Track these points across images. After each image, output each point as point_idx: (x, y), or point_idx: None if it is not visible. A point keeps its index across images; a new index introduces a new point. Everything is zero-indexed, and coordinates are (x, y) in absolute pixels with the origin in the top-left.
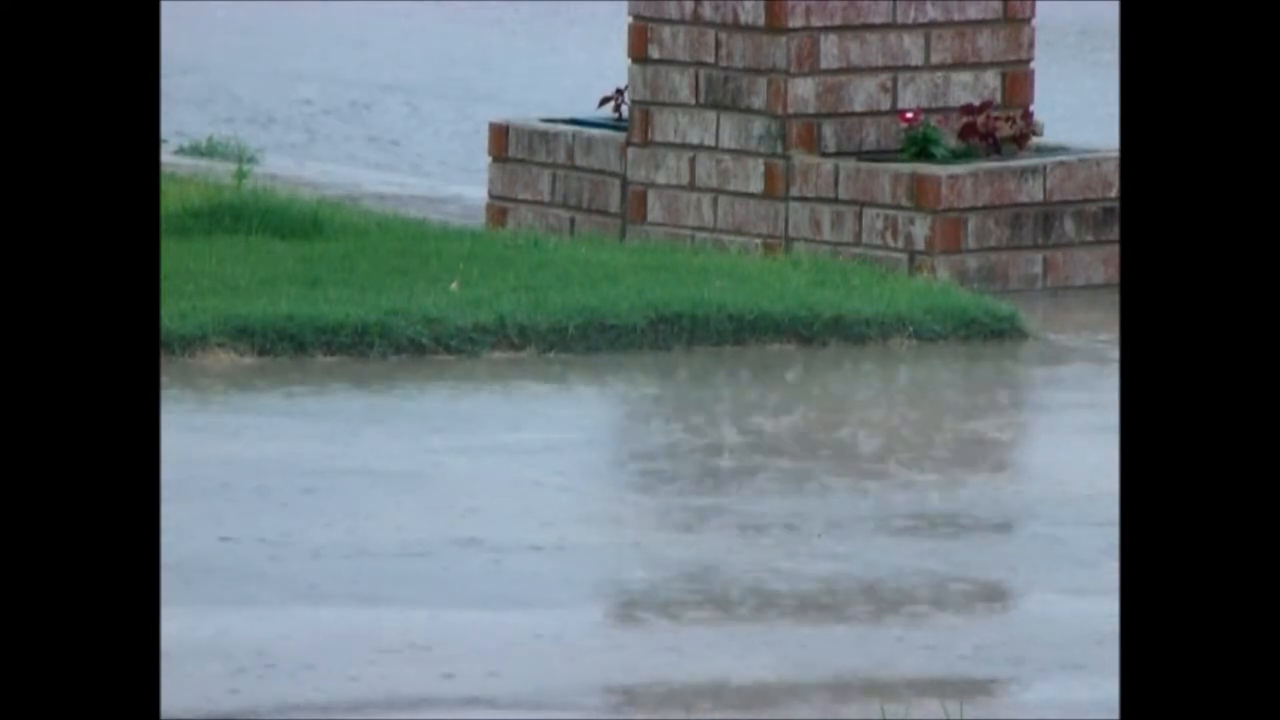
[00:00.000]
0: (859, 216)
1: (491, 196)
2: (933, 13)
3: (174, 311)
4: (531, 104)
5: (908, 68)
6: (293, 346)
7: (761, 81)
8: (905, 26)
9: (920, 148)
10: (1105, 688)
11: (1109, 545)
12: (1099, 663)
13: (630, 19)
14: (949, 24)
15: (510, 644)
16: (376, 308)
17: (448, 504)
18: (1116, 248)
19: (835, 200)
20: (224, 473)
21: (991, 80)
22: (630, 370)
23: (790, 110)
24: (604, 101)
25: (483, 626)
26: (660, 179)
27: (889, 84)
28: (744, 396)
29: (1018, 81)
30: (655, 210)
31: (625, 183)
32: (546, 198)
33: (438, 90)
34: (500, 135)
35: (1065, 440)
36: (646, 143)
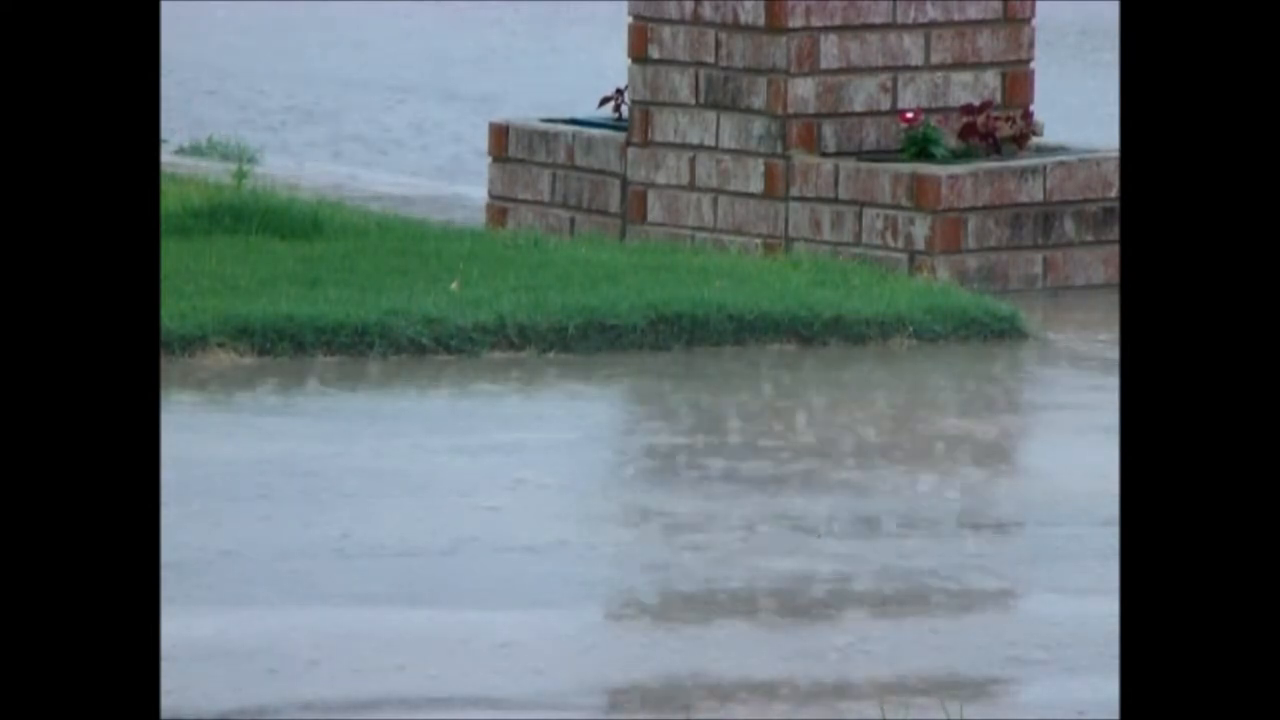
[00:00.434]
0: (859, 216)
1: (491, 196)
2: (933, 13)
3: (174, 311)
4: (531, 104)
5: (908, 68)
6: (293, 346)
7: (761, 81)
8: (905, 26)
9: (920, 148)
10: (1105, 688)
11: (1109, 545)
12: (1099, 663)
13: (630, 19)
14: (949, 24)
15: (510, 644)
16: (376, 308)
17: (447, 504)
18: (1116, 248)
19: (835, 200)
20: (224, 473)
21: (991, 80)
22: (630, 370)
23: (790, 110)
24: (604, 101)
25: (483, 626)
26: (660, 179)
27: (889, 84)
28: (744, 396)
29: (1018, 81)
30: (655, 210)
31: (625, 183)
32: (546, 198)
33: (437, 90)
34: (500, 135)
35: (1065, 440)
36: (646, 143)
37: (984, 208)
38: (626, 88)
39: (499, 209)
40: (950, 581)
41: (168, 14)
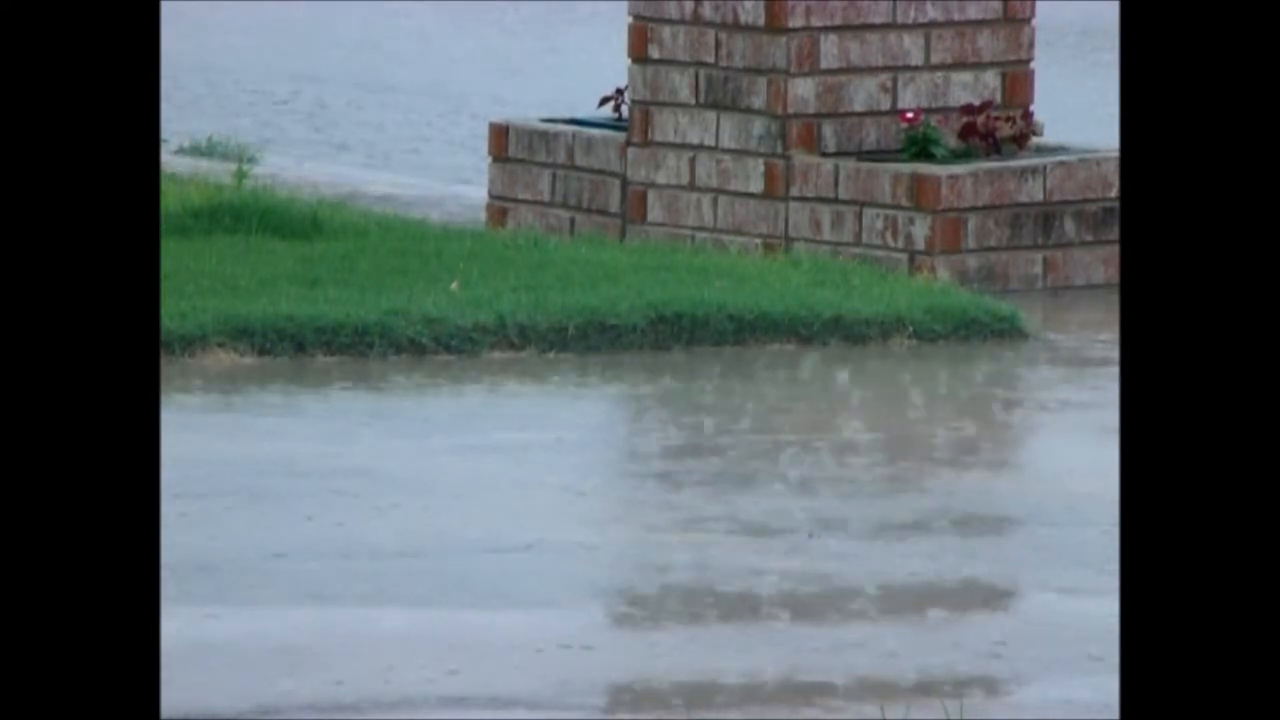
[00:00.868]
0: (859, 216)
1: (491, 196)
2: (933, 13)
3: (174, 311)
4: (531, 104)
5: (908, 68)
6: (293, 346)
7: (761, 81)
8: (905, 26)
9: (920, 148)
10: (1105, 688)
11: (1109, 545)
12: (1099, 663)
13: (630, 19)
14: (949, 24)
15: (510, 644)
16: (376, 308)
17: (448, 504)
18: (1116, 248)
19: (835, 200)
20: (224, 473)
21: (991, 80)
22: (630, 370)
23: (790, 110)
24: (604, 101)
25: (483, 626)
26: (660, 179)
27: (889, 84)
28: (744, 396)
29: (1018, 81)
30: (655, 210)
31: (625, 183)
32: (546, 198)
33: (437, 90)
34: (500, 135)
35: (1065, 440)
36: (646, 143)
37: (984, 208)
38: (626, 88)
39: (499, 209)
40: (950, 581)
41: (168, 14)
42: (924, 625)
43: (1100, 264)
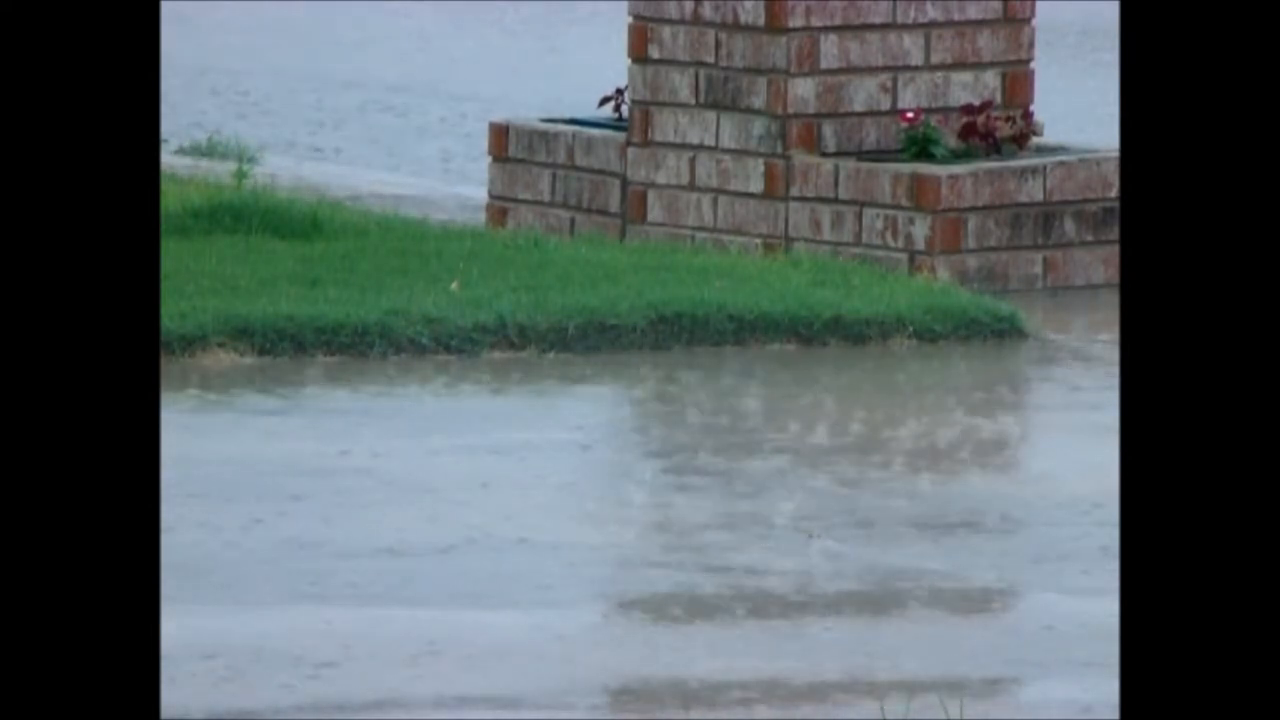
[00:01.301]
0: (859, 216)
1: (491, 196)
2: (933, 13)
3: (174, 311)
4: (531, 104)
5: (908, 68)
6: (293, 346)
7: (761, 81)
8: (905, 26)
9: (920, 148)
10: (1105, 688)
11: (1109, 545)
12: (1099, 663)
13: (630, 19)
14: (949, 24)
15: (510, 644)
16: (376, 308)
17: (448, 504)
18: (1116, 248)
19: (835, 200)
20: (224, 473)
21: (991, 80)
22: (630, 370)
23: (790, 110)
24: (604, 101)
25: (483, 626)
26: (660, 179)
27: (889, 84)
28: (744, 396)
29: (1018, 81)
30: (655, 210)
31: (625, 183)
32: (546, 198)
33: (438, 90)
34: (500, 135)
35: (1065, 440)
36: (646, 143)
37: (984, 208)
38: (626, 88)
39: (499, 209)
40: (950, 581)
41: (168, 14)
42: (924, 625)
43: (1100, 264)
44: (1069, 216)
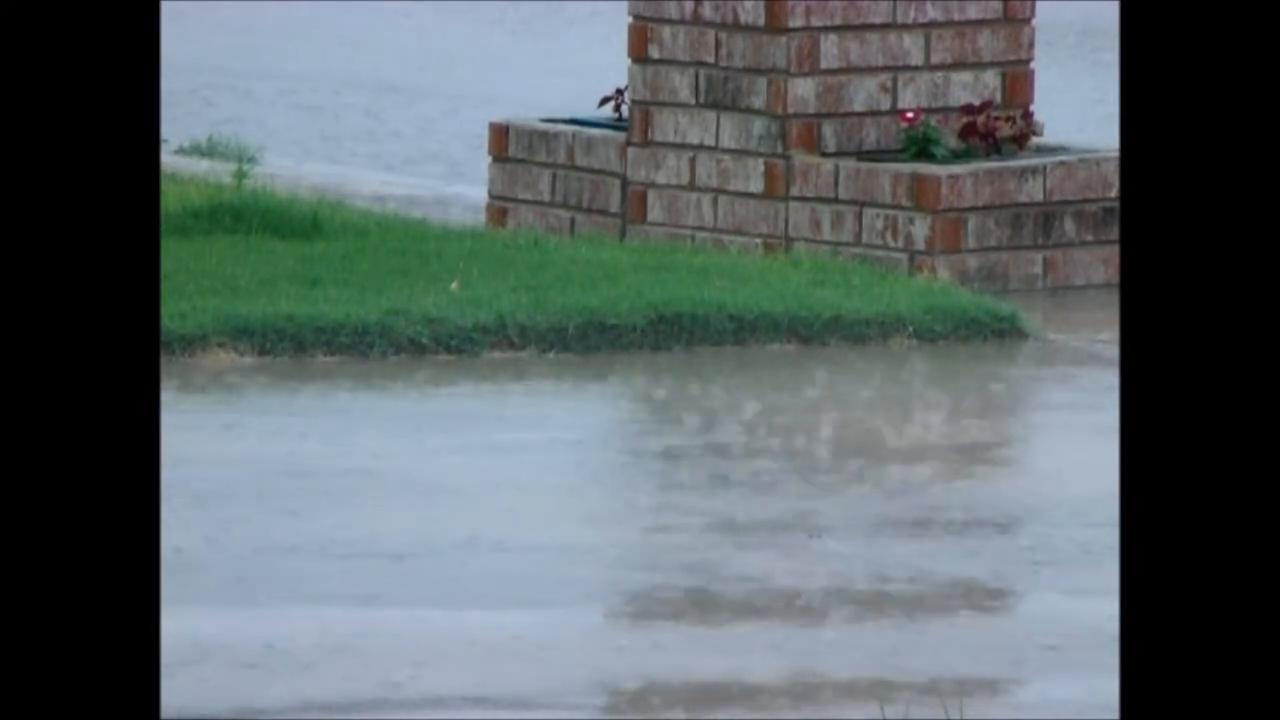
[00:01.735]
0: (859, 216)
1: (491, 196)
2: (933, 13)
3: (174, 311)
4: (531, 104)
5: (908, 68)
6: (293, 346)
7: (761, 81)
8: (905, 26)
9: (920, 148)
10: (1105, 688)
11: (1109, 545)
12: (1099, 663)
13: (630, 19)
14: (949, 24)
15: (510, 644)
16: (376, 308)
17: (448, 504)
18: (1116, 248)
19: (835, 200)
20: (224, 473)
21: (991, 80)
22: (630, 370)
23: (790, 110)
24: (604, 101)
25: (483, 626)
26: (660, 179)
27: (889, 84)
28: (744, 396)
29: (1018, 81)
30: (655, 210)
31: (625, 183)
32: (546, 198)
33: (438, 90)
34: (500, 135)
35: (1065, 440)
36: (646, 143)
37: (984, 208)
38: (626, 88)
39: (499, 209)
40: (950, 581)
41: (168, 14)
42: (924, 625)
43: (1100, 264)
44: (1069, 216)
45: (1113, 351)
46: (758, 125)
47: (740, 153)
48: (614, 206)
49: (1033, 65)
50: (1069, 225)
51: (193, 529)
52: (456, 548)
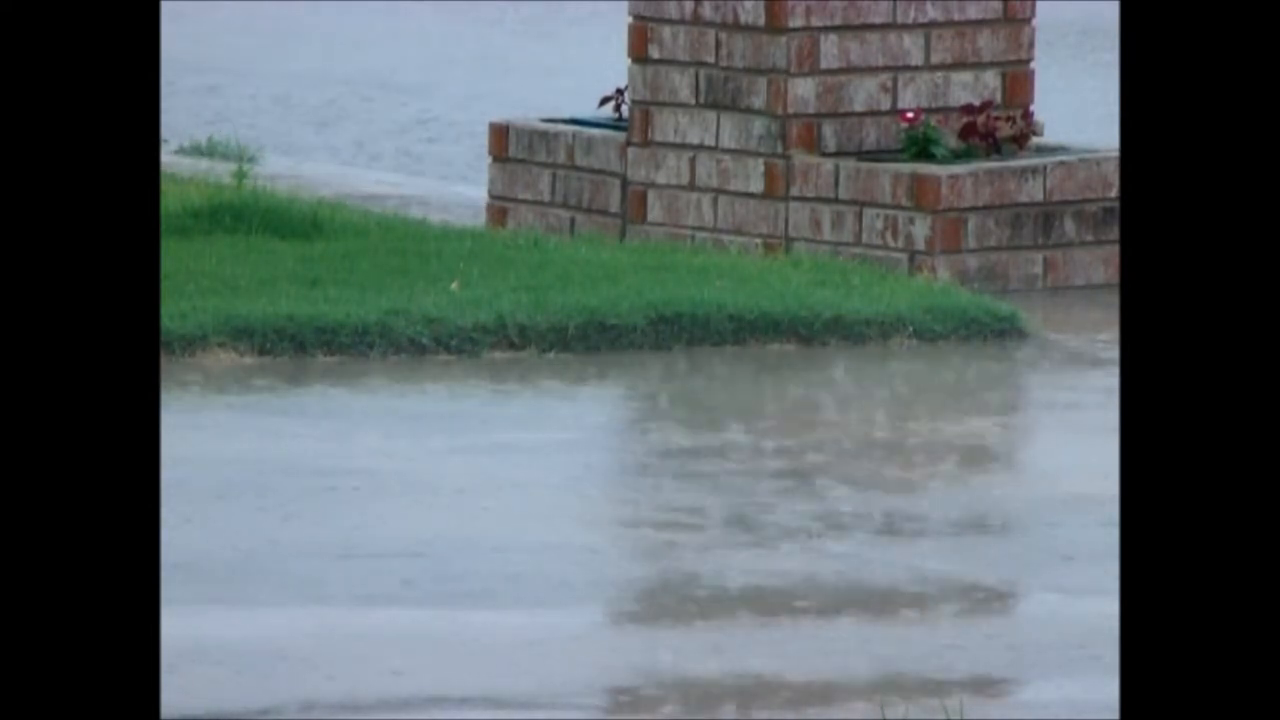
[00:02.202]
0: (859, 216)
1: (491, 196)
2: (933, 13)
3: (174, 311)
4: (531, 104)
5: (908, 68)
6: (293, 346)
7: (761, 81)
8: (905, 26)
9: (920, 148)
10: (1105, 688)
11: (1109, 545)
12: (1099, 663)
13: (630, 19)
14: (949, 24)
15: (510, 644)
16: (376, 308)
17: (448, 504)
18: (1116, 248)
19: (835, 200)
20: (224, 473)
21: (991, 80)
22: (630, 370)
23: (790, 110)
24: (604, 101)
25: (483, 627)
26: (660, 179)
27: (889, 84)
28: (744, 396)
29: (1018, 81)
30: (655, 210)
31: (625, 183)
32: (546, 198)
33: (438, 90)
34: (500, 135)
35: (1065, 440)
36: (646, 143)
37: (984, 208)
38: (626, 88)
39: (499, 209)
40: (950, 580)
41: (168, 14)
42: (924, 625)
43: (1100, 264)
44: (1069, 216)
45: (1113, 351)
46: (758, 125)
47: (740, 153)
48: (614, 206)
49: (1033, 65)
50: (1069, 225)
51: (192, 528)
52: (457, 548)
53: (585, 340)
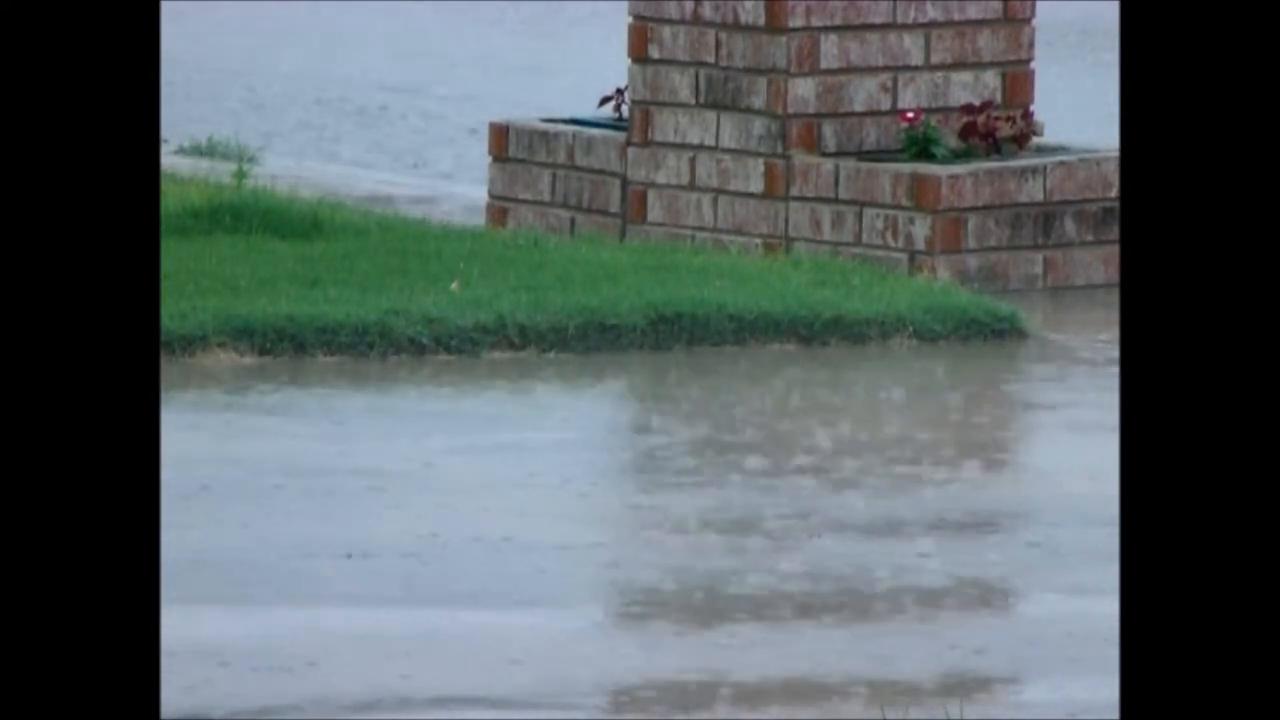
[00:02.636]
0: (859, 216)
1: (491, 196)
2: (933, 13)
3: (174, 311)
4: (531, 104)
5: (908, 68)
6: (293, 346)
7: (761, 81)
8: (905, 26)
9: (920, 148)
10: (1105, 688)
11: (1109, 545)
12: (1099, 663)
13: (630, 19)
14: (949, 24)
15: (510, 644)
16: (376, 308)
17: (448, 504)
18: (1116, 248)
19: (835, 200)
20: (224, 473)
21: (991, 80)
22: (630, 370)
23: (790, 110)
24: (604, 101)
25: (483, 626)
26: (660, 179)
27: (889, 84)
28: (744, 397)
29: (1018, 81)
30: (655, 210)
31: (625, 183)
32: (546, 198)
33: (438, 90)
34: (500, 135)
35: (1065, 440)
36: (646, 143)
37: (984, 208)
38: (626, 88)
39: (499, 209)
40: (950, 581)
41: (168, 14)
42: (924, 625)
43: (1100, 264)
44: (1069, 216)
45: (1113, 351)
46: (758, 125)
47: (740, 153)
48: (614, 206)
49: (1033, 65)
50: (1069, 225)
51: (192, 528)
52: (457, 548)
53: (585, 340)
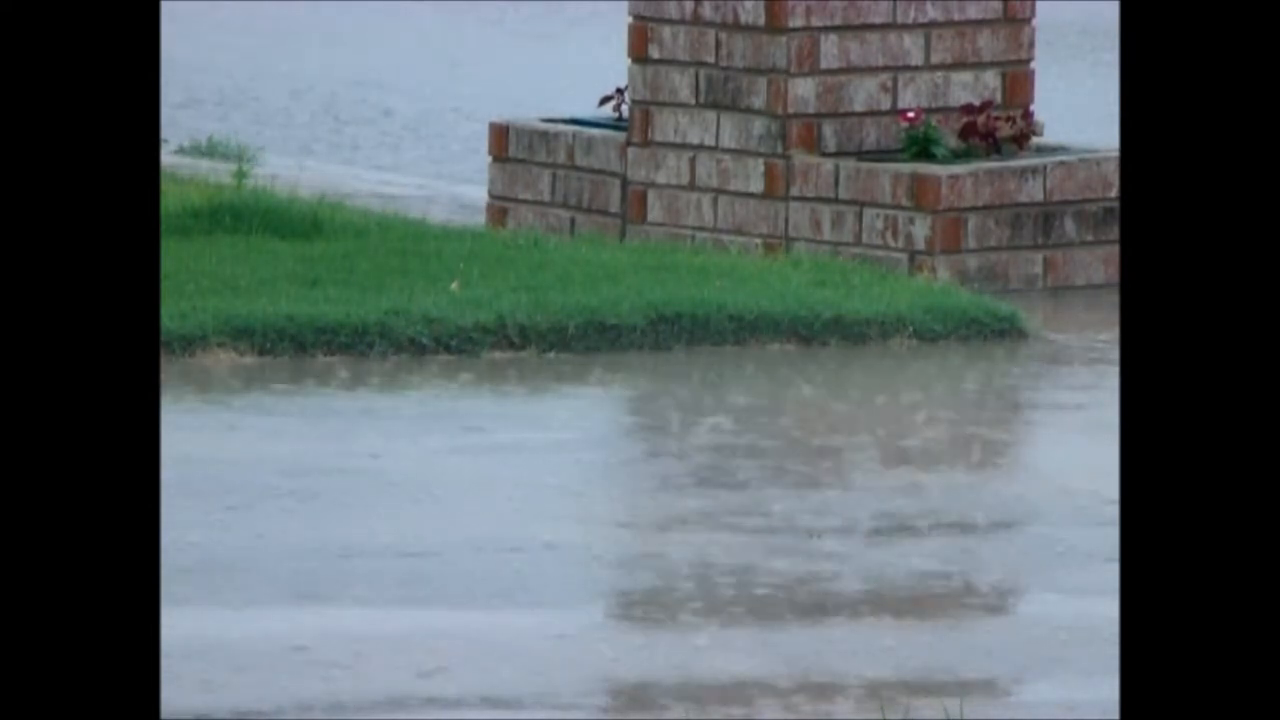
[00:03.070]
0: (859, 216)
1: (491, 196)
2: (933, 13)
3: (174, 311)
4: (531, 104)
5: (908, 68)
6: (293, 346)
7: (761, 81)
8: (905, 26)
9: (920, 148)
10: (1105, 688)
11: (1109, 545)
12: (1099, 663)
13: (630, 19)
14: (949, 24)
15: (510, 644)
16: (376, 308)
17: (448, 504)
18: (1116, 248)
19: (835, 200)
20: (224, 473)
21: (991, 80)
22: (630, 370)
23: (790, 110)
24: (604, 101)
25: (483, 626)
26: (660, 179)
27: (889, 84)
28: (744, 396)
29: (1018, 81)
30: (655, 210)
31: (625, 183)
32: (546, 198)
33: (438, 90)
34: (500, 135)
35: (1065, 440)
36: (646, 143)
37: (984, 208)
38: (626, 88)
39: (499, 209)
40: (950, 581)
41: (168, 14)
42: (924, 625)
43: (1100, 264)
44: (1069, 216)
45: (1113, 351)
46: (758, 125)
47: (740, 153)
48: (614, 206)
49: (1033, 65)
50: (1069, 225)
51: (192, 529)
52: (457, 548)
53: (585, 340)
